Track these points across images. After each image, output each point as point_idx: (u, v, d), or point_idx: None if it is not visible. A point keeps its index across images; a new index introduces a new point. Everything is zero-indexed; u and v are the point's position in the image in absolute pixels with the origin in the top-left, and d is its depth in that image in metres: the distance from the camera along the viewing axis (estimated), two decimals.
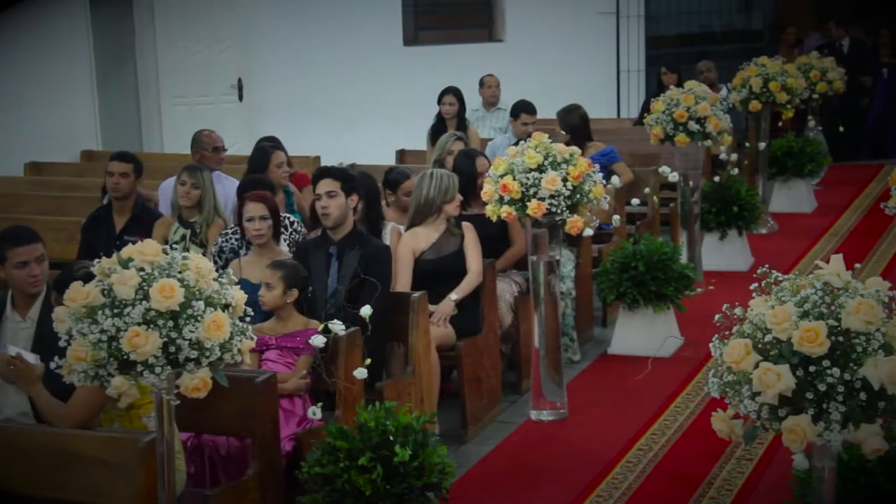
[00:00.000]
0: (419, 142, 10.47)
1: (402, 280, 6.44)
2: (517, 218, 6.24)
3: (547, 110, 9.88)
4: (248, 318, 3.90)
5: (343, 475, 4.60)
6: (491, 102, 11.02)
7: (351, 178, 6.14)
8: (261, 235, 6.07)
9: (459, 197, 6.59)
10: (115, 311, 3.67)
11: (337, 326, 5.25)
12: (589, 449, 6.08)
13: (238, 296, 3.87)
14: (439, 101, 10.20)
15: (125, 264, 3.77)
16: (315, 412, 5.05)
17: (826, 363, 3.28)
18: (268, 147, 7.71)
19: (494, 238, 6.96)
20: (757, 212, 9.52)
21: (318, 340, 5.21)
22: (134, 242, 3.86)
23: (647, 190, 8.65)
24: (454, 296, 6.36)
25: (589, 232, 6.48)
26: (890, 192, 5.68)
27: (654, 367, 7.14)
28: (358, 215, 6.30)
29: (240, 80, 12.72)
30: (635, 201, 8.04)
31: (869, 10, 15.64)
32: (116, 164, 7.39)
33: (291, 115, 12.38)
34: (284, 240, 6.54)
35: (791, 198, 11.50)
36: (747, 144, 11.19)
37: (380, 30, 13.42)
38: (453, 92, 10.18)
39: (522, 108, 9.40)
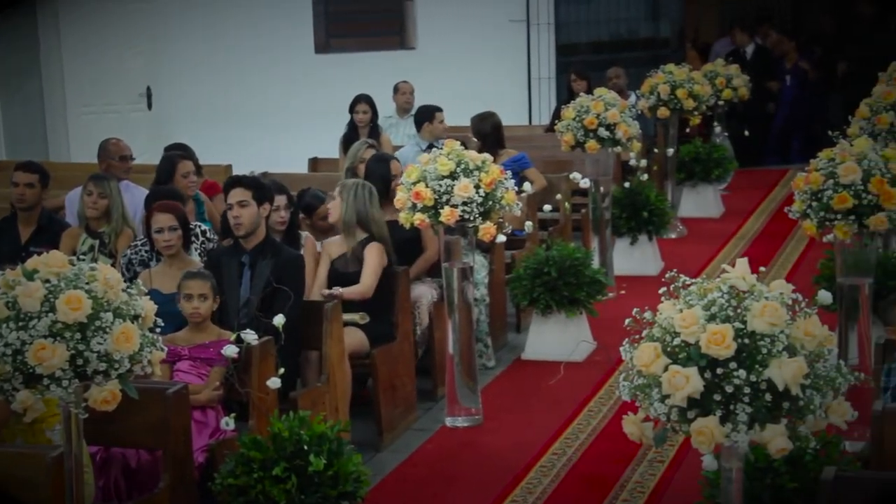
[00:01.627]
0: (332, 150, 10.44)
1: (319, 283, 6.44)
2: (430, 225, 6.26)
3: (459, 117, 9.93)
4: (158, 329, 3.86)
5: (257, 486, 4.56)
6: (405, 109, 11.04)
7: (262, 187, 6.10)
8: (170, 246, 6.01)
9: None
10: (21, 323, 3.60)
11: (250, 336, 5.21)
12: (504, 454, 6.11)
13: (148, 306, 3.82)
14: (352, 109, 10.19)
15: (30, 276, 3.70)
16: (228, 423, 5.00)
17: (733, 365, 3.34)
18: (174, 156, 7.62)
19: (407, 245, 6.96)
20: (666, 217, 9.65)
21: (231, 350, 5.16)
22: (40, 253, 3.80)
23: (558, 196, 8.72)
24: (340, 288, 6.32)
25: (502, 238, 6.52)
26: (793, 196, 5.80)
27: (567, 371, 7.20)
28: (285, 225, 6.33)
29: (148, 89, 12.57)
30: (547, 207, 8.11)
31: (775, 18, 15.97)
32: (21, 175, 7.26)
33: (202, 124, 12.26)
34: (195, 249, 6.48)
35: (699, 203, 11.68)
36: (656, 150, 11.34)
37: (291, 37, 13.35)
38: (366, 99, 10.18)
39: (433, 109, 9.45)
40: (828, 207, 5.49)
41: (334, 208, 6.66)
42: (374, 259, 6.44)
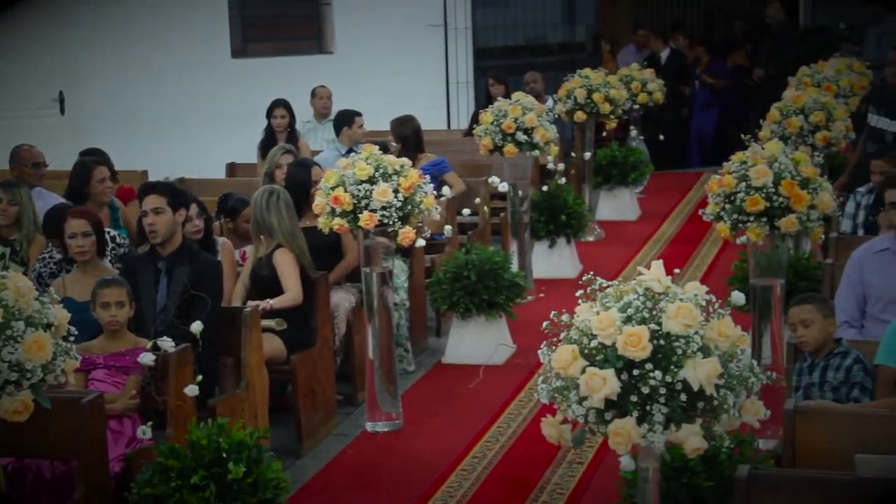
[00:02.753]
0: (250, 155, 10.36)
1: (239, 288, 6.41)
2: (349, 230, 6.24)
3: (378, 122, 9.91)
4: (72, 338, 3.80)
5: (175, 495, 4.51)
6: (323, 114, 10.99)
7: (178, 193, 6.03)
8: (84, 252, 5.92)
9: None
10: None
11: (167, 343, 5.15)
12: (424, 458, 6.12)
13: (61, 315, 3.76)
14: (269, 114, 10.13)
15: None
16: (145, 431, 4.93)
17: (649, 366, 3.38)
18: (89, 162, 7.51)
19: (327, 250, 6.94)
20: (584, 220, 9.74)
21: (147, 358, 5.10)
22: None
23: (477, 200, 8.75)
24: (272, 301, 6.29)
25: (421, 242, 6.52)
26: (708, 199, 5.89)
27: (487, 374, 7.23)
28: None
29: (61, 93, 12.36)
30: (466, 211, 8.13)
31: (689, 24, 16.20)
32: None
33: (117, 129, 12.09)
34: (106, 255, 6.39)
35: (616, 206, 11.80)
36: (573, 154, 11.43)
37: (207, 41, 13.22)
38: (283, 104, 10.12)
39: (352, 114, 9.43)
40: (741, 210, 5.58)
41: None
42: (287, 265, 6.41)
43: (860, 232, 7.17)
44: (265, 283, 6.43)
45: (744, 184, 5.58)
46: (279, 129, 10.03)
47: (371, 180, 6.10)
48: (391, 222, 6.12)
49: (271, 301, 6.26)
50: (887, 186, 5.70)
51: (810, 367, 5.09)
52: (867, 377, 4.93)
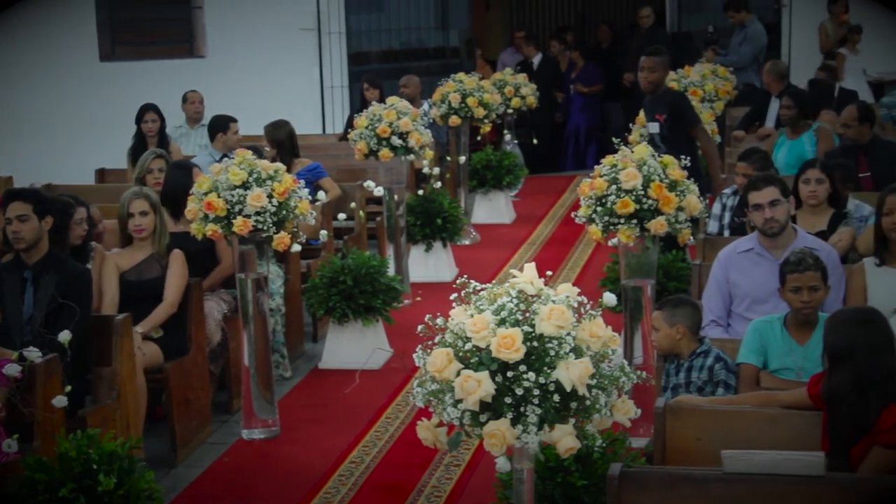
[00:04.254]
0: (120, 160, 10.16)
1: (109, 296, 6.26)
2: (223, 235, 6.18)
3: (252, 127, 9.83)
4: None
5: None
6: (195, 119, 10.85)
7: (44, 200, 5.88)
8: None
9: None
10: None
11: (33, 354, 5.02)
12: (302, 465, 6.08)
13: None
14: (139, 119, 9.94)
15: None
16: (11, 445, 4.80)
17: (522, 368, 3.42)
18: None
19: (201, 256, 6.85)
20: (460, 224, 9.80)
21: (13, 370, 4.95)
22: None
23: (353, 204, 8.74)
24: (140, 328, 6.16)
25: (297, 248, 6.49)
26: (580, 202, 5.98)
27: (364, 379, 7.22)
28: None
29: None
30: (342, 216, 8.12)
31: (561, 30, 16.42)
32: None
33: None
34: None
35: (491, 209, 11.90)
36: (448, 158, 11.50)
37: (74, 44, 12.93)
38: (153, 109, 9.94)
39: (227, 120, 9.32)
40: (611, 212, 5.69)
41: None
42: (181, 269, 6.33)
43: (726, 233, 7.36)
44: (145, 288, 6.29)
45: (614, 187, 5.69)
46: (150, 134, 9.86)
47: (245, 185, 6.04)
48: (266, 227, 6.07)
49: (139, 328, 6.12)
50: (750, 189, 5.86)
51: (677, 368, 5.21)
52: (730, 374, 5.06)
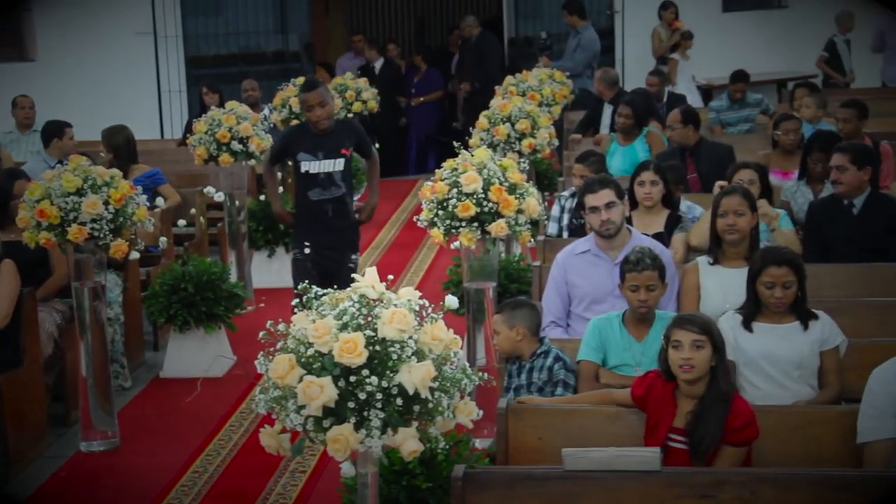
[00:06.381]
0: None
1: None
2: (57, 244, 6.02)
3: (88, 132, 9.60)
4: None
5: None
6: (25, 125, 10.53)
7: None
8: None
9: None
10: None
11: None
12: (143, 476, 5.97)
13: None
14: None
15: None
16: None
17: (365, 372, 3.43)
18: None
19: (34, 266, 6.66)
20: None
21: None
22: None
23: (193, 210, 8.62)
24: None
25: (135, 255, 6.37)
26: (422, 205, 6.02)
27: (207, 387, 7.11)
28: None
29: None
30: (182, 222, 7.99)
31: (400, 34, 16.51)
32: None
33: None
34: None
35: None
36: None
37: None
38: None
39: (62, 125, 9.07)
40: (453, 215, 5.74)
41: None
42: (12, 279, 6.14)
43: (565, 234, 7.50)
44: None
45: (455, 190, 5.75)
46: None
47: (79, 192, 5.90)
48: (102, 235, 5.94)
49: None
50: (586, 191, 5.98)
51: (518, 369, 5.29)
52: (569, 374, 5.17)
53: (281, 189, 8.75)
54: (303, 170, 7.16)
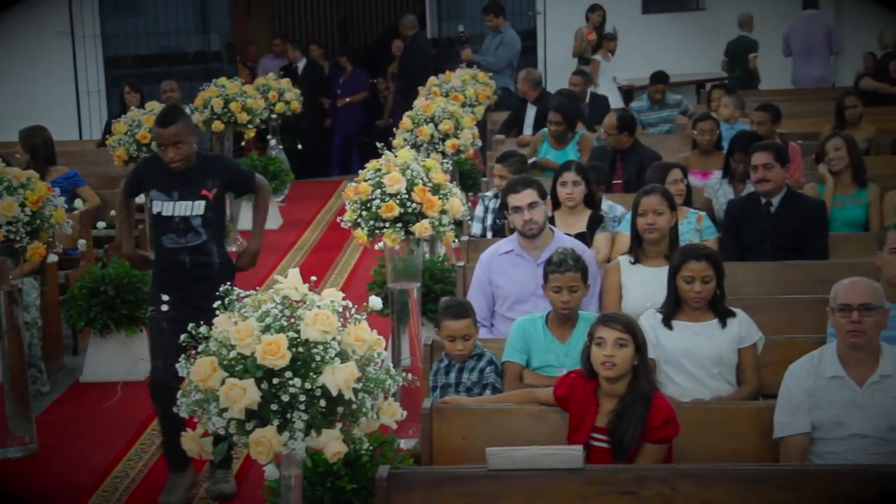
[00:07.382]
0: None
1: None
2: None
3: (6, 132, 9.43)
4: None
5: None
6: None
7: None
8: None
9: None
10: None
11: None
12: (62, 483, 5.88)
13: None
14: None
15: None
16: None
17: (288, 374, 3.42)
18: None
19: None
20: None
21: None
22: None
23: (113, 212, 8.48)
24: None
25: (53, 258, 6.27)
26: (346, 206, 6.01)
27: (128, 391, 7.04)
28: None
29: None
30: (102, 224, 7.88)
31: (324, 34, 16.46)
32: None
33: None
34: None
35: None
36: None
37: None
38: None
39: None
40: (377, 216, 5.74)
41: None
42: None
43: (489, 235, 7.53)
44: None
45: (379, 191, 5.74)
46: None
47: None
48: (18, 238, 5.85)
49: None
50: (509, 191, 6.01)
51: (447, 368, 5.30)
52: (498, 378, 5.18)
53: None
54: (155, 210, 5.69)
